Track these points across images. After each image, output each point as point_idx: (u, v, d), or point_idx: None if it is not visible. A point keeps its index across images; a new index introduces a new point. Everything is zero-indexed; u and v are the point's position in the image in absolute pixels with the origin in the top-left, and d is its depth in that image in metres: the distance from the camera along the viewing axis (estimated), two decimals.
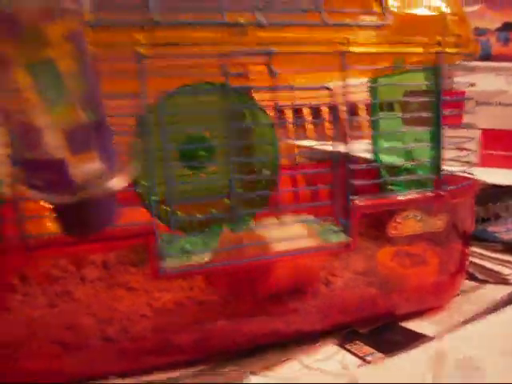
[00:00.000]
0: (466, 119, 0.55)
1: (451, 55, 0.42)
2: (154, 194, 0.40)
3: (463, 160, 0.46)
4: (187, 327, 0.40)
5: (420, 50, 0.41)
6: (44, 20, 0.24)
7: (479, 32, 0.78)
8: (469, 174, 0.47)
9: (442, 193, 0.42)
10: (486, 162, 0.59)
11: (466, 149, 0.47)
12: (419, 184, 0.53)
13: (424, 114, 0.45)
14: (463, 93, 0.56)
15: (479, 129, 0.50)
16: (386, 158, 0.62)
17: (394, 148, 0.56)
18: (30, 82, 0.24)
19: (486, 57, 0.75)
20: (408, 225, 0.42)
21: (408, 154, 0.55)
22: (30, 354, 0.37)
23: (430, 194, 0.42)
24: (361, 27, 0.39)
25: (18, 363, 0.37)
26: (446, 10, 0.44)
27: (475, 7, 0.81)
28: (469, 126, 0.48)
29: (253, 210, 0.47)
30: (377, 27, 0.39)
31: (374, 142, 0.61)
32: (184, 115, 0.42)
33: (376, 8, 0.40)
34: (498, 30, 0.80)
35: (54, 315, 0.43)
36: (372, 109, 0.58)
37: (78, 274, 0.51)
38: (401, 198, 0.41)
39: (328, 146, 0.43)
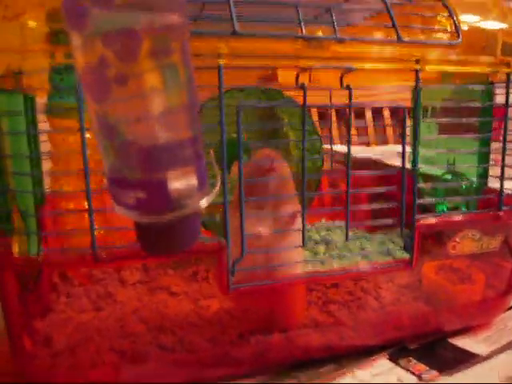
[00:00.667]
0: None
1: None
2: None
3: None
4: (242, 339, 0.40)
5: (488, 69, 0.40)
6: (163, 33, 0.23)
7: None
8: None
9: (500, 213, 0.42)
10: None
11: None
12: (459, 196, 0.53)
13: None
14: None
15: None
16: (425, 168, 0.62)
17: (434, 157, 0.57)
18: (154, 85, 0.23)
19: None
20: (466, 244, 0.42)
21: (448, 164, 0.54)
22: (91, 362, 0.37)
23: (489, 213, 0.42)
24: (435, 45, 0.38)
25: (80, 372, 0.36)
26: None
27: None
28: None
29: None
30: (450, 45, 0.39)
31: (414, 151, 0.61)
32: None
33: (448, 26, 0.40)
34: None
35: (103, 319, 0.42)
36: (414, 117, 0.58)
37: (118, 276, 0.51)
38: (462, 217, 0.41)
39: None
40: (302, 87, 0.35)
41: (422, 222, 0.40)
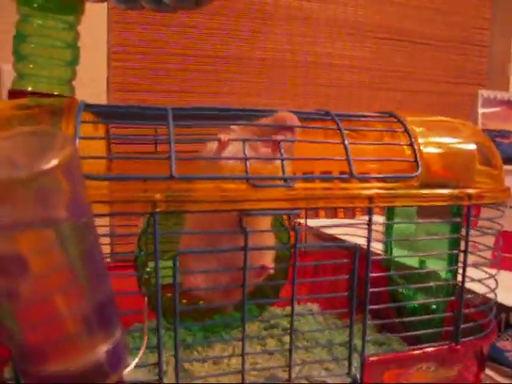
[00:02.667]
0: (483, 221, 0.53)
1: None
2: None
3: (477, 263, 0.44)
4: None
5: (448, 203, 0.39)
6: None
7: (503, 134, 0.75)
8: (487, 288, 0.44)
9: (457, 346, 0.40)
10: (504, 264, 0.57)
11: (480, 256, 0.45)
12: (430, 291, 0.51)
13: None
14: None
15: (498, 231, 0.47)
16: (399, 252, 0.60)
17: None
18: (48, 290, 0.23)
19: (509, 159, 0.73)
20: (421, 376, 0.40)
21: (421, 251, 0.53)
22: None
23: (445, 348, 0.40)
24: (390, 180, 0.37)
25: None
26: (473, 146, 0.41)
27: (497, 108, 0.78)
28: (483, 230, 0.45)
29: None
30: (408, 179, 0.37)
31: (388, 234, 0.59)
32: None
33: (408, 154, 0.38)
34: None
35: None
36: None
37: None
38: (415, 353, 0.39)
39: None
40: (294, 229, 0.34)
41: (371, 359, 0.38)
